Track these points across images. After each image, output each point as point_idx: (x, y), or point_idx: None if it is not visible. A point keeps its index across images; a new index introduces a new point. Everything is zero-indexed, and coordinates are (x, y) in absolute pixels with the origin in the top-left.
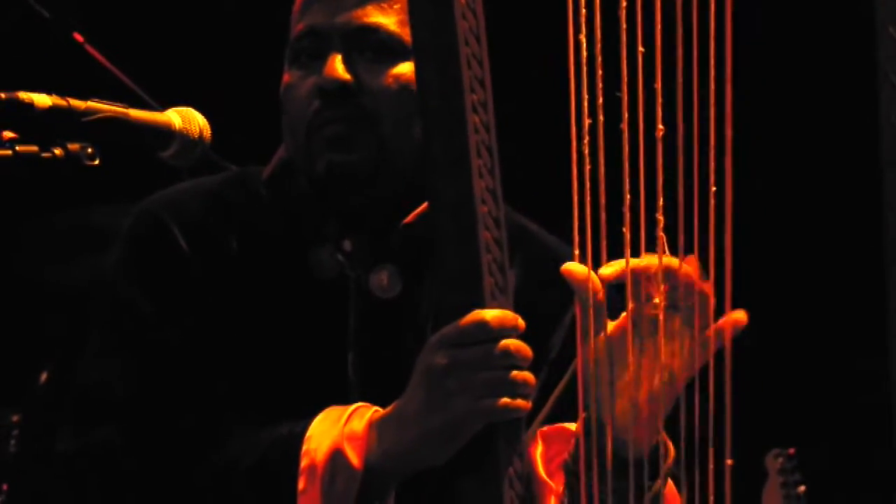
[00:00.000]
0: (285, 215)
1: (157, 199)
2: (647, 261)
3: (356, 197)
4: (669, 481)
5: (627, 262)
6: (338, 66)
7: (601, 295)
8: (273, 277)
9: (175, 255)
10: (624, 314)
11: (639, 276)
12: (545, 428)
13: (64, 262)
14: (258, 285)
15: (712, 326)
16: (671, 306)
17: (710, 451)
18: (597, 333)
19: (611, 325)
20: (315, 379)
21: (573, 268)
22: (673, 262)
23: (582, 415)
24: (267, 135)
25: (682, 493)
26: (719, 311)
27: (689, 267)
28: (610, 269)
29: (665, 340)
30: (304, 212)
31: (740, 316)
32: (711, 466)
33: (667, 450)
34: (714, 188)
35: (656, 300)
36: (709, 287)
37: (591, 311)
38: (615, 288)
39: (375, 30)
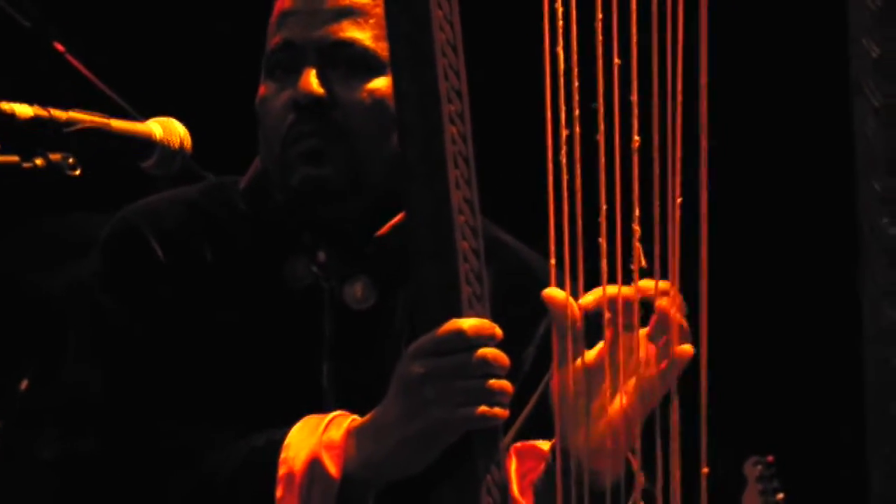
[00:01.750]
0: (261, 226)
1: (133, 208)
2: (626, 289)
3: (330, 209)
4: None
5: (604, 282)
6: (312, 80)
7: (579, 323)
8: (248, 287)
9: (151, 265)
10: (600, 344)
11: (616, 304)
12: (518, 444)
13: (44, 269)
14: (234, 295)
15: (668, 358)
16: (652, 338)
17: (677, 460)
18: (575, 358)
19: (589, 354)
20: (290, 388)
21: (553, 294)
22: (649, 286)
23: (554, 441)
24: (246, 145)
25: None
26: (695, 320)
27: (664, 298)
28: (590, 297)
29: (629, 372)
30: (280, 223)
31: (687, 349)
32: (682, 475)
33: (633, 478)
34: (679, 199)
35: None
36: (681, 317)
37: (570, 338)
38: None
39: (350, 44)
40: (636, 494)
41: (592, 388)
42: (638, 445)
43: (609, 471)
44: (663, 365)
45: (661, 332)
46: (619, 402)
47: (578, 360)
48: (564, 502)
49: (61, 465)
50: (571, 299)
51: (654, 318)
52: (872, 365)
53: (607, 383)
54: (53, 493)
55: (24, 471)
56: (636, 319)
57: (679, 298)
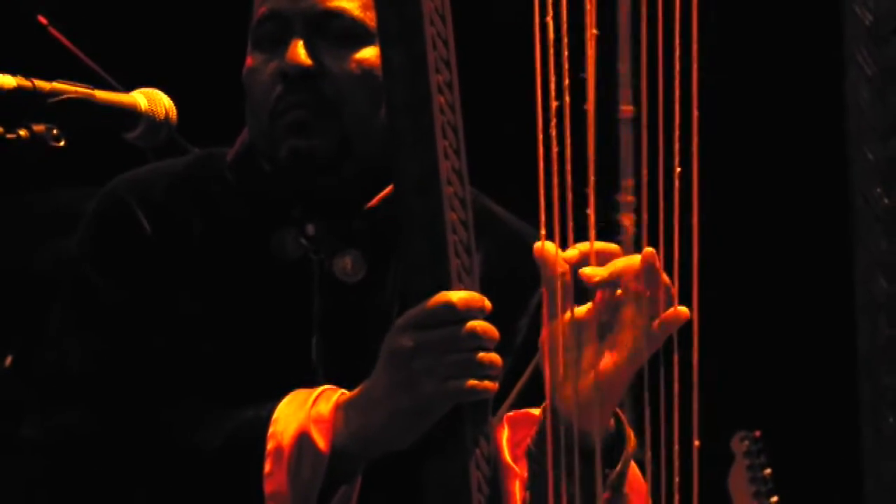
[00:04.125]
0: (249, 198)
1: (121, 180)
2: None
3: (319, 181)
4: (634, 466)
5: (592, 245)
6: (300, 51)
7: (568, 276)
8: (237, 260)
9: (138, 237)
10: (590, 303)
11: (604, 259)
12: (511, 413)
13: (29, 245)
14: (222, 268)
15: (660, 318)
16: (637, 297)
17: (676, 433)
18: (563, 313)
19: (579, 310)
20: (279, 362)
21: (544, 247)
22: (635, 258)
23: (545, 403)
24: (233, 116)
25: (646, 477)
26: (687, 294)
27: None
28: (574, 251)
29: (618, 330)
30: (268, 195)
31: (683, 311)
32: (677, 448)
33: (625, 435)
34: (679, 169)
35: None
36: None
37: (559, 292)
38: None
39: (338, 14)
40: (627, 454)
41: (581, 343)
42: (625, 402)
43: (597, 428)
44: (655, 324)
45: (648, 285)
46: (607, 358)
47: (567, 314)
48: (555, 459)
49: (45, 440)
50: (561, 253)
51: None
52: (864, 335)
53: (593, 338)
54: (39, 468)
55: (9, 447)
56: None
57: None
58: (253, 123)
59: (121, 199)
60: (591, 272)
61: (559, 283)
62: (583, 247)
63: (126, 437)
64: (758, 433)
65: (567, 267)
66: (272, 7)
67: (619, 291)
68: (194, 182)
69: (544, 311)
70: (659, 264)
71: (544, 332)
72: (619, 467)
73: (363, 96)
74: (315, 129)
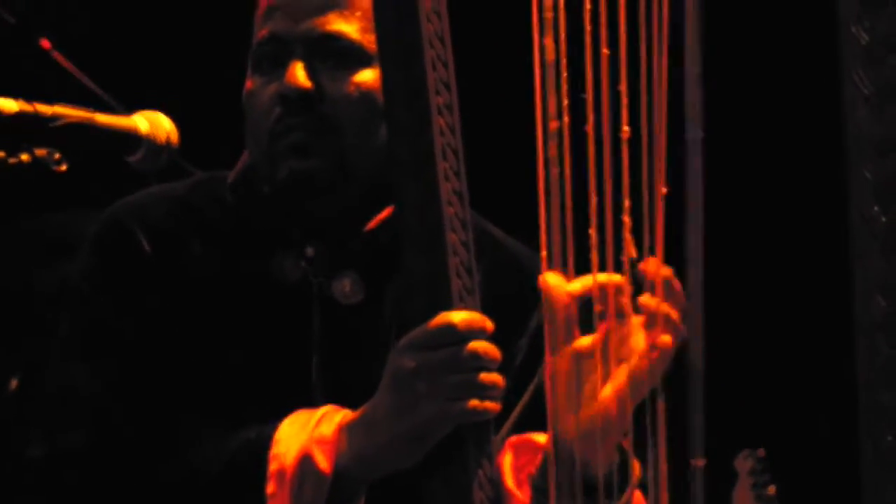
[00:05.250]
0: (249, 221)
1: (122, 204)
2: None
3: (317, 203)
4: (638, 493)
5: (594, 274)
6: (299, 73)
7: (572, 308)
8: (237, 283)
9: (139, 260)
10: (595, 334)
11: (608, 290)
12: (514, 438)
13: (32, 267)
14: (222, 290)
15: (647, 351)
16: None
17: (679, 452)
18: (564, 346)
19: (582, 341)
20: (280, 383)
21: (548, 279)
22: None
23: (550, 431)
24: (233, 139)
25: (648, 498)
26: (688, 312)
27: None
28: (578, 284)
29: (619, 361)
30: (268, 218)
31: (666, 339)
32: (680, 467)
33: (629, 465)
34: (664, 190)
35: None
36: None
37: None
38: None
39: (337, 37)
40: (632, 485)
41: (583, 375)
42: (628, 433)
43: (601, 460)
44: (654, 354)
45: (651, 321)
46: (609, 389)
47: (570, 347)
48: (558, 490)
49: (49, 461)
50: (565, 286)
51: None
52: (863, 354)
53: (598, 371)
54: (42, 490)
55: (14, 469)
56: (628, 307)
57: (678, 287)
58: (252, 145)
59: (122, 222)
60: (572, 286)
61: (562, 315)
62: (587, 281)
63: (129, 459)
64: (761, 451)
65: (571, 298)
66: (272, 30)
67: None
68: (195, 205)
69: (546, 342)
70: (658, 303)
71: (548, 365)
72: (624, 497)
73: (362, 118)
74: (314, 150)
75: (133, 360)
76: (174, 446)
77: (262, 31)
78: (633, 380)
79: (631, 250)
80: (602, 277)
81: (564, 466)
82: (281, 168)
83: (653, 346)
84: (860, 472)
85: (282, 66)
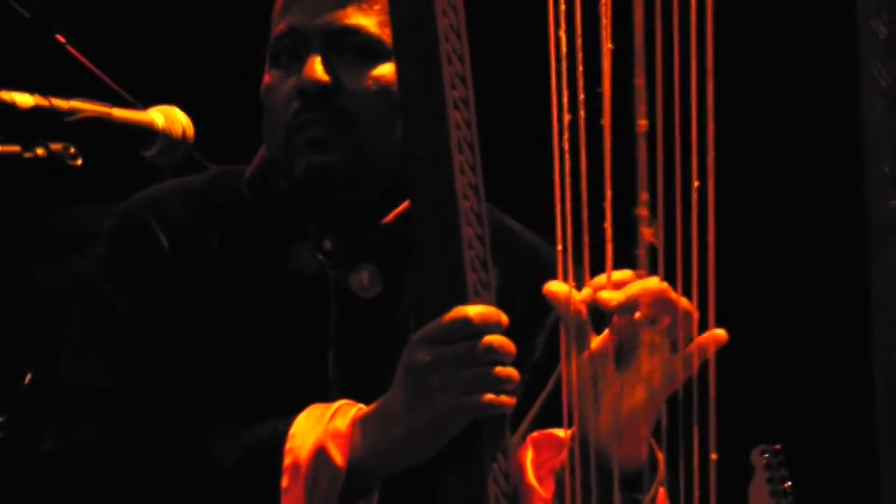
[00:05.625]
0: (267, 214)
1: (138, 198)
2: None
3: (335, 197)
4: (662, 492)
5: (609, 268)
6: (317, 67)
7: (584, 314)
8: (254, 276)
9: (156, 254)
10: (607, 331)
11: (620, 286)
12: (535, 434)
13: (47, 262)
14: (239, 284)
15: (695, 342)
16: (653, 321)
17: (696, 446)
18: (580, 351)
19: (595, 341)
20: (295, 377)
21: (554, 288)
22: (652, 281)
23: (573, 430)
24: (250, 134)
25: (668, 492)
26: (704, 311)
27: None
28: (588, 290)
29: (647, 355)
30: (285, 211)
31: (721, 333)
32: (697, 462)
33: (657, 462)
34: (697, 183)
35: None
36: (690, 303)
37: (574, 331)
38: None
39: (356, 31)
40: (659, 480)
41: (604, 375)
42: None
43: (632, 457)
44: (691, 348)
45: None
46: (637, 386)
47: (586, 352)
48: (585, 490)
49: (63, 455)
50: (574, 292)
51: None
52: (880, 349)
53: (616, 368)
54: (56, 484)
55: (28, 463)
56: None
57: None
58: (270, 140)
59: (138, 216)
60: (609, 297)
61: (574, 322)
62: (597, 281)
63: (144, 453)
64: (778, 446)
65: (582, 305)
66: (290, 24)
67: (637, 315)
68: (211, 199)
69: (562, 347)
70: (673, 294)
71: (564, 368)
72: (650, 493)
73: (380, 112)
74: (332, 145)
75: (147, 353)
76: (189, 440)
77: (280, 25)
78: (662, 375)
79: (648, 238)
80: (614, 275)
81: (590, 465)
82: (298, 162)
83: (687, 343)
84: (878, 467)
85: (300, 59)
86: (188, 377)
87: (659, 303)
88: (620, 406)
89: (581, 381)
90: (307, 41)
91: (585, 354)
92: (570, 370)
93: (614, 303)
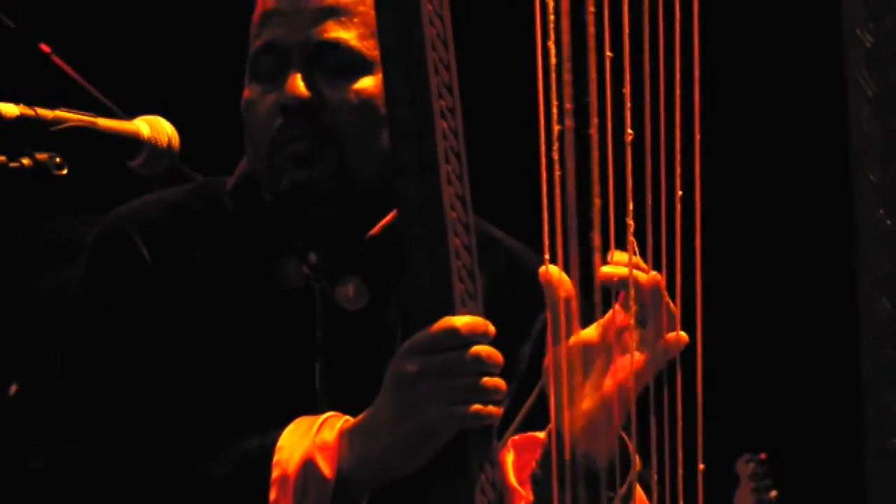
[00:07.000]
0: (250, 227)
1: (120, 211)
2: (620, 266)
3: (320, 210)
4: (639, 489)
5: (597, 270)
6: (299, 83)
7: (573, 300)
8: (238, 289)
9: (138, 268)
10: (596, 323)
11: (615, 285)
12: (517, 437)
13: (32, 274)
14: (223, 297)
15: (661, 342)
16: (643, 322)
17: (681, 456)
18: (567, 338)
19: (581, 334)
20: (283, 390)
21: (548, 271)
22: (640, 273)
23: (551, 424)
24: (236, 144)
25: (652, 501)
26: (691, 314)
27: (655, 279)
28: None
29: (621, 352)
30: (269, 224)
31: (682, 336)
32: (681, 472)
33: (630, 458)
34: (680, 192)
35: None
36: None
37: (562, 315)
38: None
39: (336, 45)
40: (632, 475)
41: (586, 366)
42: (630, 424)
43: (603, 451)
44: (659, 344)
45: (645, 311)
46: (611, 380)
47: (573, 339)
48: (560, 483)
49: (50, 473)
50: (566, 277)
51: (621, 295)
52: (868, 357)
53: (600, 362)
54: (43, 501)
55: (14, 478)
56: (632, 300)
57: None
58: (252, 154)
59: (120, 229)
60: (611, 270)
61: (563, 307)
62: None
63: (129, 469)
64: (763, 455)
65: (572, 290)
66: (269, 39)
67: (627, 313)
68: (194, 212)
69: (549, 334)
70: (664, 290)
71: (549, 356)
72: (624, 488)
73: (362, 126)
74: (315, 160)
75: (132, 369)
76: (176, 455)
77: (258, 41)
78: (637, 371)
79: (634, 253)
80: (606, 270)
81: (565, 458)
82: (283, 178)
83: (655, 338)
84: (864, 475)
85: (281, 74)
86: (175, 391)
87: (652, 292)
88: (591, 401)
89: (561, 369)
90: (287, 56)
91: (571, 342)
92: (558, 357)
93: (617, 277)
